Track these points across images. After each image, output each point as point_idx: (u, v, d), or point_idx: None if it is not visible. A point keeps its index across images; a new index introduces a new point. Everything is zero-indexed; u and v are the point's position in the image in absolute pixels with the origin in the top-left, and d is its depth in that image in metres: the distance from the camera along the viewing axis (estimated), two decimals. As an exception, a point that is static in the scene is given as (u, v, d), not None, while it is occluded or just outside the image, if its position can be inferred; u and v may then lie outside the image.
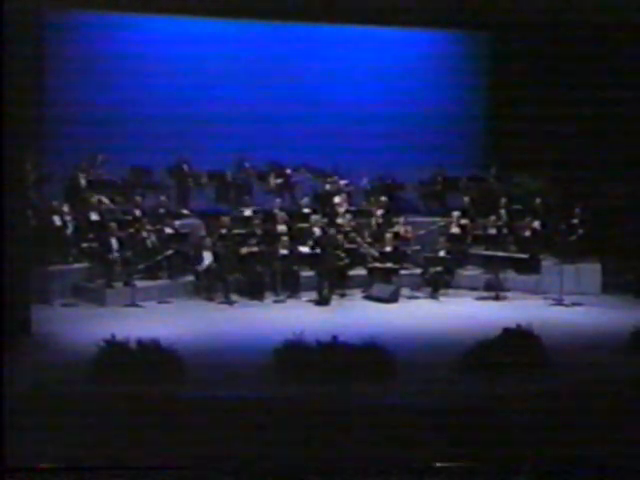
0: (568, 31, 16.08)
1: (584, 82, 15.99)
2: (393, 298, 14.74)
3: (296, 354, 10.26)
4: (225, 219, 15.39)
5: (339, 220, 16.00)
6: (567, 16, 15.32)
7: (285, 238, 15.14)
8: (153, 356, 9.99)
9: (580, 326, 12.99)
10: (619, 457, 8.05)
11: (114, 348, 10.07)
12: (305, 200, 16.57)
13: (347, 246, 15.30)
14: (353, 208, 16.69)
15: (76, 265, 14.68)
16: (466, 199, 17.09)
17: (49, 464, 7.67)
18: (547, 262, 15.70)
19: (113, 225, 14.64)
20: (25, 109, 11.08)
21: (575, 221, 15.88)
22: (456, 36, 19.03)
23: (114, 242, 14.43)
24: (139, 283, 14.31)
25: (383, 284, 15.01)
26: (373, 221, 16.31)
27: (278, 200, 16.37)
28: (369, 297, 14.92)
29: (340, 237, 15.21)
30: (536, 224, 16.15)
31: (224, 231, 15.14)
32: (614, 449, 8.12)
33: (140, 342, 10.11)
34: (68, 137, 15.39)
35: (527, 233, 16.07)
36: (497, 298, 14.95)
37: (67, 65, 15.89)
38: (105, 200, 15.57)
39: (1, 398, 8.16)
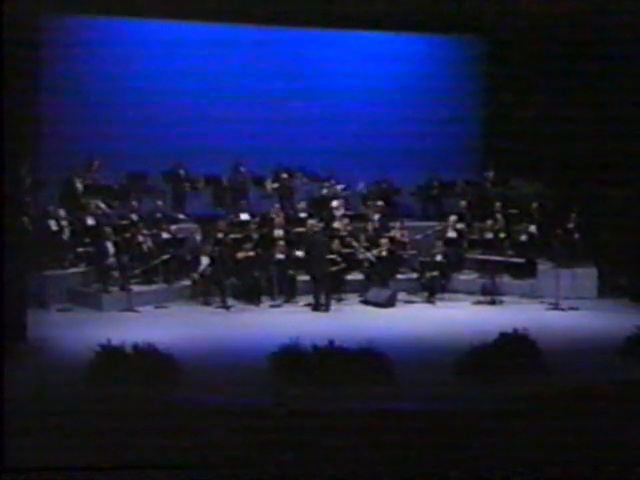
0: (564, 34, 16.11)
1: (581, 86, 16.03)
2: (389, 302, 14.74)
3: (293, 359, 10.26)
4: (222, 223, 15.40)
5: (336, 224, 16.02)
6: (564, 18, 15.35)
7: (282, 242, 15.15)
8: (149, 361, 9.98)
9: (576, 330, 12.99)
10: (616, 460, 8.05)
11: (110, 353, 10.06)
12: (302, 204, 16.57)
13: (344, 250, 15.30)
14: (350, 212, 16.71)
15: (72, 270, 14.68)
16: (462, 203, 17.10)
17: (48, 464, 7.68)
18: (543, 266, 15.73)
19: (109, 230, 14.63)
20: (23, 113, 11.08)
21: (571, 225, 15.90)
22: (452, 40, 19.04)
23: (110, 247, 14.42)
24: (135, 288, 14.30)
25: (379, 288, 15.01)
26: (369, 225, 16.31)
27: (277, 205, 16.38)
28: (366, 301, 14.93)
29: (337, 241, 15.21)
30: (532, 228, 16.18)
31: (220, 236, 15.14)
32: (611, 452, 8.13)
33: (136, 347, 10.10)
34: (65, 141, 15.40)
35: (523, 237, 16.10)
36: (493, 302, 14.96)
37: (65, 70, 15.91)
38: (101, 205, 15.57)
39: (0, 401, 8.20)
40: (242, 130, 17.14)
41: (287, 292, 14.91)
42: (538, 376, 10.38)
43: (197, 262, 14.80)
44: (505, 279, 15.64)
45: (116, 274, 14.33)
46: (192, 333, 12.46)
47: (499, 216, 16.51)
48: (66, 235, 14.90)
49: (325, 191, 16.98)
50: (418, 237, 16.25)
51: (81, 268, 14.77)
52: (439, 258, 15.51)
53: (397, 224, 16.21)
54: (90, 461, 7.81)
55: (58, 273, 14.42)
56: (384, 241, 15.44)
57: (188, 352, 10.71)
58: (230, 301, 14.50)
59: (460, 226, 16.43)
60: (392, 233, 15.95)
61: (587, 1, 14.14)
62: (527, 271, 15.70)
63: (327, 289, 14.48)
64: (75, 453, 7.87)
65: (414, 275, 15.60)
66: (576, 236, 15.78)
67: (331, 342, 10.38)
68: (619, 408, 9.06)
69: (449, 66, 18.90)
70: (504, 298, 15.17)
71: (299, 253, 15.01)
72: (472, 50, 19.08)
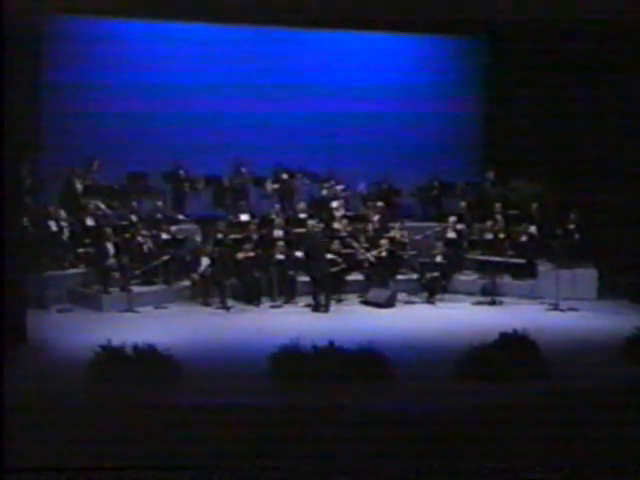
0: (565, 36, 16.12)
1: (581, 88, 16.04)
2: (390, 303, 14.74)
3: (292, 359, 10.26)
4: (221, 224, 15.40)
5: (336, 225, 16.02)
6: (565, 21, 15.36)
7: (281, 243, 15.15)
8: (149, 361, 9.98)
9: (576, 331, 12.99)
10: (617, 461, 8.06)
11: (110, 353, 10.07)
12: (302, 205, 16.57)
13: (344, 251, 15.30)
14: (350, 213, 16.71)
15: (72, 270, 14.68)
16: (462, 204, 17.11)
17: (48, 464, 7.69)
18: (543, 267, 15.73)
19: (109, 230, 14.63)
20: (24, 114, 11.09)
21: (571, 226, 15.90)
22: (453, 41, 19.04)
23: (110, 247, 14.43)
24: (135, 288, 14.30)
25: (380, 289, 15.02)
26: (370, 226, 16.32)
27: (277, 206, 16.38)
28: (366, 302, 14.93)
29: (337, 242, 15.21)
30: (532, 229, 16.17)
31: (220, 236, 15.14)
32: (611, 454, 8.14)
33: (136, 348, 10.10)
34: (65, 142, 15.42)
35: (523, 238, 16.09)
36: (493, 303, 14.96)
37: (66, 70, 15.93)
38: (101, 205, 15.57)
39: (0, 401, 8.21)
40: (242, 130, 17.17)
41: (287, 293, 14.91)
42: (537, 377, 10.37)
43: (197, 263, 14.80)
44: (505, 280, 15.64)
45: (116, 275, 14.33)
46: (192, 334, 12.45)
47: (499, 217, 16.51)
48: (66, 236, 14.90)
49: (325, 192, 16.99)
50: (418, 238, 16.25)
51: (81, 269, 14.77)
52: (439, 259, 15.51)
53: (397, 225, 16.20)
54: (90, 461, 7.81)
55: (58, 274, 14.41)
56: (384, 242, 15.44)
57: (188, 353, 10.71)
58: (230, 302, 14.50)
59: (460, 227, 16.44)
60: (392, 234, 15.94)
61: (590, 4, 14.14)
62: (527, 272, 15.70)
63: (327, 290, 14.48)
64: (75, 453, 7.88)
65: (414, 276, 15.59)
66: (576, 237, 15.77)
67: (331, 343, 10.38)
68: (619, 409, 9.06)
69: (450, 67, 18.90)
70: (504, 299, 15.17)
71: (299, 254, 15.01)
72: (473, 51, 19.09)
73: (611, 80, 15.70)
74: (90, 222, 15.14)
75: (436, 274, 15.33)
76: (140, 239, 14.84)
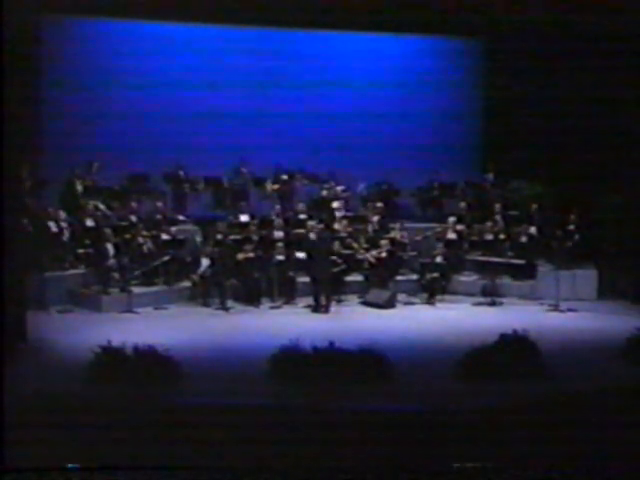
0: (565, 36, 16.12)
1: (582, 88, 16.03)
2: (389, 304, 14.74)
3: (293, 360, 10.26)
4: (221, 225, 15.40)
5: (336, 226, 16.03)
6: (564, 20, 15.37)
7: (281, 244, 15.14)
8: (148, 362, 9.98)
9: (576, 332, 12.99)
10: (616, 464, 8.05)
11: (110, 354, 10.07)
12: (301, 206, 16.57)
13: (344, 252, 15.30)
14: (349, 214, 16.72)
15: (72, 271, 14.67)
16: (462, 205, 17.11)
17: (48, 465, 7.70)
18: (543, 268, 15.73)
19: (109, 231, 14.63)
20: (24, 114, 11.09)
21: (571, 227, 15.91)
22: (452, 40, 19.05)
23: (110, 248, 14.43)
24: (135, 289, 14.30)
25: (379, 290, 15.01)
26: (369, 227, 16.32)
27: (277, 207, 16.39)
28: (365, 303, 14.93)
29: (337, 243, 15.21)
30: (532, 230, 16.17)
31: (220, 237, 15.14)
32: (611, 456, 8.13)
33: (136, 349, 10.10)
34: (66, 142, 15.43)
35: (523, 239, 16.09)
36: (493, 304, 14.96)
37: (65, 71, 15.94)
38: (101, 206, 15.57)
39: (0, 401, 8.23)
40: (242, 130, 17.18)
41: (287, 294, 14.91)
42: (538, 377, 10.37)
43: (197, 263, 14.80)
44: (505, 280, 15.64)
45: (116, 275, 14.33)
46: (191, 334, 12.45)
47: (499, 217, 16.52)
48: (66, 236, 14.90)
49: (325, 192, 16.99)
50: (418, 238, 16.25)
51: (81, 269, 14.77)
52: (439, 259, 15.52)
53: (397, 225, 16.20)
54: (90, 461, 7.82)
55: (58, 274, 14.41)
56: (384, 242, 15.45)
57: (187, 353, 10.70)
58: (230, 302, 14.50)
59: (460, 227, 16.44)
60: (392, 234, 15.94)
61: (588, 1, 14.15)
62: (527, 272, 15.69)
63: (327, 290, 14.47)
64: (75, 453, 7.88)
65: (414, 276, 15.60)
66: (576, 237, 15.78)
67: (331, 343, 10.38)
68: (619, 410, 9.06)
69: (450, 67, 18.91)
70: (504, 300, 15.17)
71: (299, 254, 15.01)
72: (473, 51, 19.08)
73: (611, 81, 15.69)
74: (90, 223, 15.13)
75: (436, 275, 15.33)
76: (140, 240, 14.84)
